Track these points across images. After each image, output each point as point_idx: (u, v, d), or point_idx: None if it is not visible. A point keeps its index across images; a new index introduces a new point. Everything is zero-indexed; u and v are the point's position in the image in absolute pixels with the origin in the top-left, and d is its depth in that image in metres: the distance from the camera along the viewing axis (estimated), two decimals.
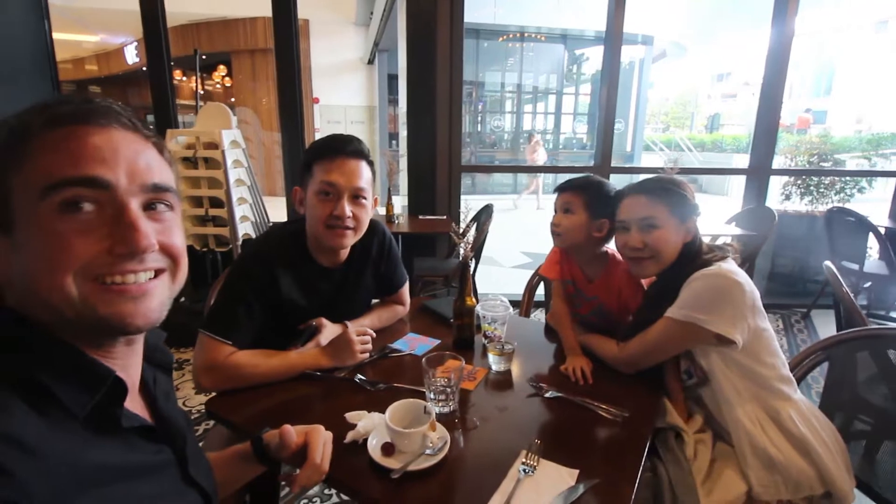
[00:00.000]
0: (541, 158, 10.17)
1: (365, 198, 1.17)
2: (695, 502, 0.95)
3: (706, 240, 1.19)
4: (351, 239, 1.18)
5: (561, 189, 1.31)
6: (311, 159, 1.16)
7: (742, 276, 1.05)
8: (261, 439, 0.75)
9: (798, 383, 1.15)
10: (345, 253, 1.25)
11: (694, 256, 1.12)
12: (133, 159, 0.50)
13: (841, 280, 1.58)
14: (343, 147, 1.14)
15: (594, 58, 12.17)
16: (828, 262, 1.66)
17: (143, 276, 0.51)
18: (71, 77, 12.36)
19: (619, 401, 1.02)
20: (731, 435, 1.06)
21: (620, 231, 1.19)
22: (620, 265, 1.30)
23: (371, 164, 1.19)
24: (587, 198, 1.26)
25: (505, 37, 11.53)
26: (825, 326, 3.32)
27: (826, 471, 1.00)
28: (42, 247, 0.46)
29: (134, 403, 0.56)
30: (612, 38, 3.36)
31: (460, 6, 3.20)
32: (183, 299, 3.10)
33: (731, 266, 1.07)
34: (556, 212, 1.31)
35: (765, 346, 1.07)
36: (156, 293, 0.52)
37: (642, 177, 1.24)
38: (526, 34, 11.57)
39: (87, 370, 0.48)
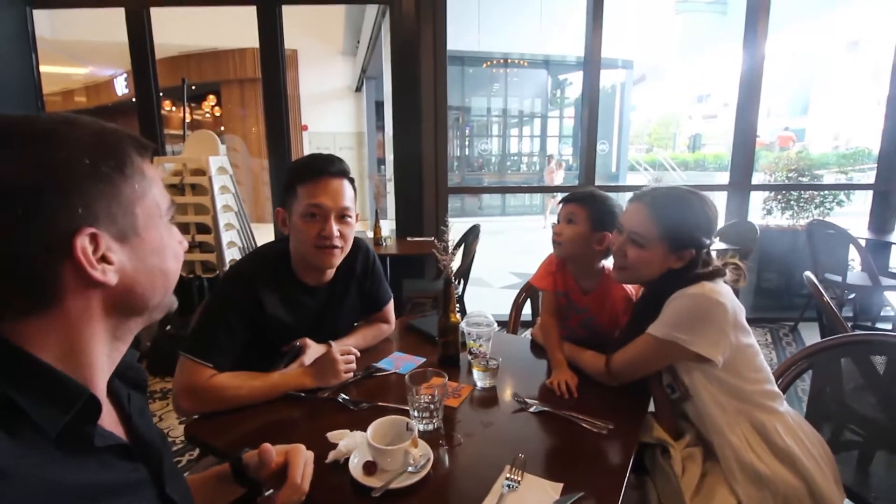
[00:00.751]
0: (559, 179, 10.54)
1: (350, 216, 1.18)
2: None
3: None
4: (339, 257, 1.19)
5: (566, 200, 1.33)
6: (294, 181, 1.16)
7: (725, 295, 1.04)
8: (240, 460, 0.74)
9: (784, 392, 1.15)
10: (330, 272, 1.25)
11: (682, 280, 1.09)
12: None
13: (821, 289, 1.60)
14: (326, 167, 1.15)
15: (577, 82, 12.47)
16: (808, 273, 1.69)
17: None
18: (61, 108, 12.41)
19: (604, 414, 1.01)
20: (717, 450, 1.05)
21: (616, 231, 1.19)
22: (621, 290, 1.33)
23: (352, 181, 1.21)
24: (590, 210, 1.28)
25: (489, 63, 11.81)
26: (813, 339, 3.30)
27: (814, 484, 0.99)
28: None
29: (108, 421, 0.55)
30: (591, 62, 3.46)
31: (443, 34, 3.29)
32: (169, 327, 3.06)
33: (714, 285, 1.06)
34: (558, 222, 1.33)
35: (748, 361, 1.07)
36: None
37: (628, 195, 1.24)
38: (510, 60, 11.86)
39: (59, 387, 0.47)
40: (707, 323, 1.02)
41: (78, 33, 6.30)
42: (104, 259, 0.49)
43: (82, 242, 0.46)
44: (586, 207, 1.29)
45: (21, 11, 3.08)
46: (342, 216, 1.17)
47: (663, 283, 1.10)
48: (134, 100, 3.35)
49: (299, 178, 1.15)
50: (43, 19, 5.23)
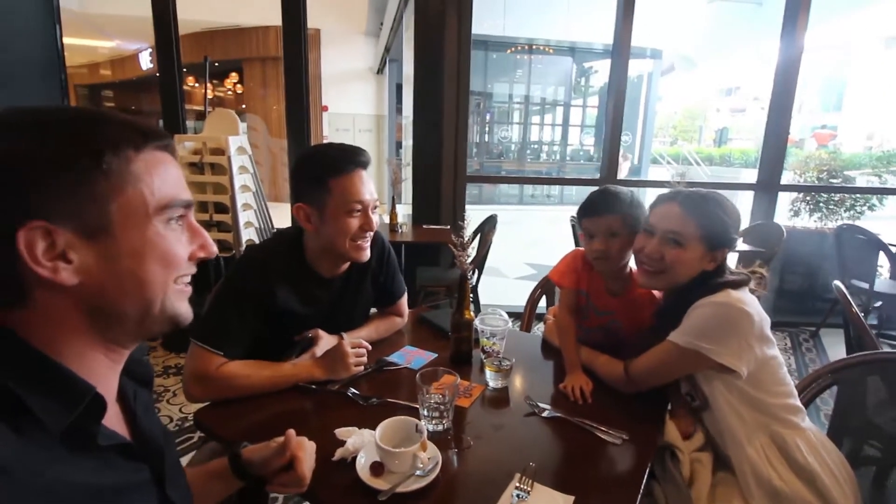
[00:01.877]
0: (624, 171, 10.41)
1: (377, 206, 1.18)
2: None
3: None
4: (370, 248, 1.20)
5: (597, 212, 1.22)
6: (324, 174, 1.11)
7: (752, 305, 1.00)
8: (238, 456, 0.73)
9: (805, 407, 1.11)
10: (346, 264, 1.24)
11: (711, 278, 1.07)
12: None
13: (851, 301, 1.54)
14: (359, 160, 1.14)
15: (602, 71, 12.20)
16: (837, 282, 1.62)
17: None
18: (86, 81, 12.56)
19: (618, 422, 0.99)
20: (735, 464, 1.02)
21: (645, 233, 1.13)
22: (648, 293, 1.28)
23: None
24: (628, 219, 1.21)
25: (513, 49, 11.58)
26: (834, 347, 3.25)
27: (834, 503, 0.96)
28: None
29: (113, 419, 0.54)
30: (620, 51, 3.35)
31: (468, 18, 3.21)
32: None
33: (741, 294, 1.02)
34: (592, 237, 1.23)
35: (770, 374, 1.03)
36: None
37: (650, 190, 1.19)
38: (534, 46, 11.61)
39: (65, 385, 0.47)
40: (732, 333, 0.98)
41: (105, 6, 6.34)
42: (63, 256, 0.45)
43: (29, 237, 0.43)
44: (622, 218, 1.21)
45: None
46: (374, 208, 1.17)
47: (692, 287, 1.07)
48: (158, 75, 3.36)
49: (332, 172, 1.11)
50: None
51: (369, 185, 1.15)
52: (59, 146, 0.45)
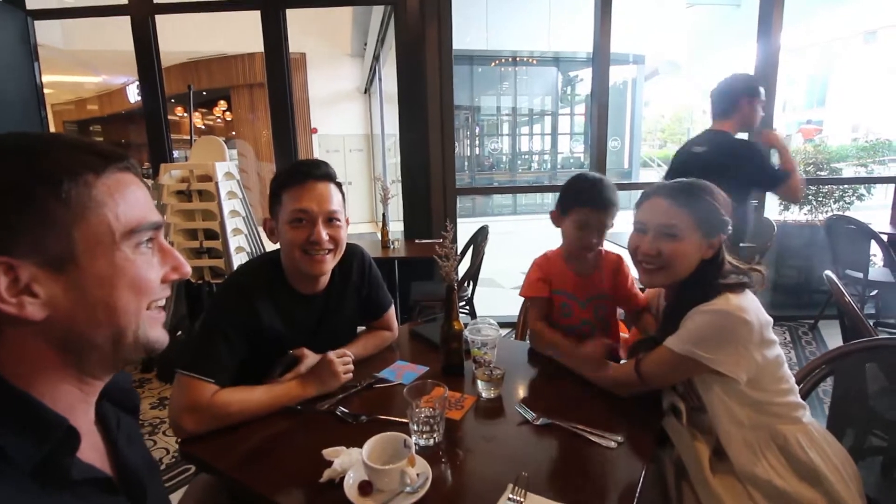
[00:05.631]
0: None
1: (339, 220, 1.15)
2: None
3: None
4: (331, 263, 1.16)
5: (601, 206, 1.27)
6: (278, 188, 1.13)
7: (751, 311, 0.98)
8: None
9: (804, 398, 1.09)
10: (325, 279, 1.22)
11: (713, 275, 1.05)
12: None
13: (843, 290, 1.53)
14: (311, 171, 1.13)
15: (587, 79, 12.28)
16: (828, 272, 1.62)
17: None
18: (74, 118, 12.62)
19: (613, 425, 0.97)
20: (735, 467, 0.99)
21: (637, 232, 1.12)
22: (609, 255, 1.37)
23: (339, 185, 1.19)
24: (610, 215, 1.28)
25: (498, 61, 11.73)
26: (834, 338, 3.23)
27: (838, 499, 0.93)
28: None
29: (90, 451, 0.52)
30: (600, 57, 3.39)
31: (448, 33, 3.25)
32: (179, 333, 3.06)
33: (740, 300, 0.99)
34: (585, 228, 1.28)
35: (771, 374, 1.01)
36: None
37: (640, 193, 1.20)
38: (518, 58, 11.76)
39: (36, 418, 0.45)
40: (730, 341, 0.96)
41: (91, 42, 6.38)
42: (28, 290, 0.43)
43: None
44: (607, 212, 1.29)
45: (22, 22, 3.11)
46: (330, 220, 1.13)
47: (694, 281, 1.05)
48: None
49: (283, 184, 1.13)
50: (55, 29, 5.32)
51: (322, 197, 1.12)
52: (13, 177, 0.43)
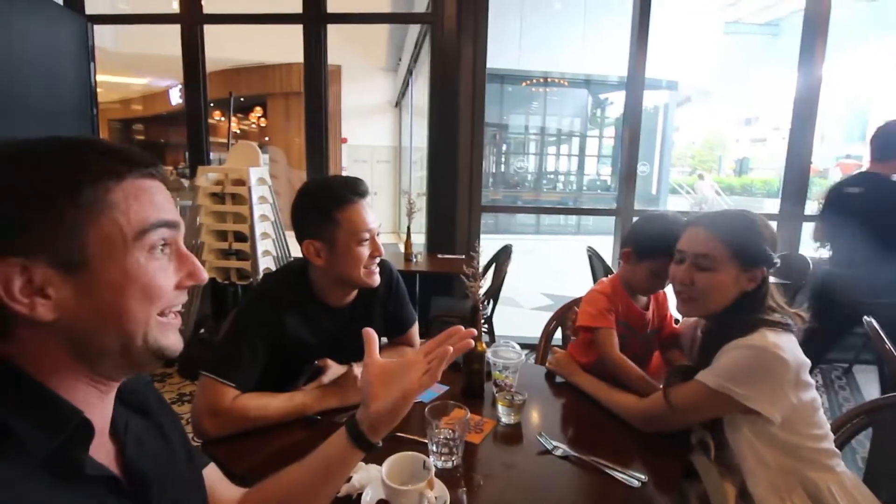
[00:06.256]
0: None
1: (380, 232, 1.20)
2: None
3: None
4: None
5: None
6: (331, 207, 1.13)
7: (788, 350, 0.94)
8: (355, 422, 0.73)
9: (840, 450, 1.04)
10: (353, 293, 1.23)
11: (752, 309, 1.01)
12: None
13: (883, 336, 1.47)
14: (359, 189, 1.16)
15: (618, 102, 12.28)
16: (868, 318, 1.55)
17: None
18: (119, 116, 13.19)
19: (637, 461, 0.94)
20: None
21: (677, 261, 1.10)
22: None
23: None
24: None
25: (529, 81, 11.80)
26: (869, 384, 3.09)
27: None
28: None
29: (102, 452, 0.52)
30: (634, 82, 3.38)
31: (483, 52, 3.29)
32: (202, 330, 3.12)
33: (777, 337, 0.96)
34: (658, 277, 1.26)
35: (805, 418, 0.97)
36: None
37: None
38: (549, 79, 11.82)
39: (52, 408, 0.46)
40: (766, 379, 0.93)
41: (138, 46, 6.67)
42: (41, 292, 0.44)
43: (5, 274, 0.42)
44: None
45: (83, 26, 3.30)
46: (378, 234, 1.19)
47: (734, 311, 1.02)
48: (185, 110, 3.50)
49: (338, 204, 1.13)
50: (107, 33, 5.58)
51: (371, 213, 1.17)
52: (36, 181, 0.44)
